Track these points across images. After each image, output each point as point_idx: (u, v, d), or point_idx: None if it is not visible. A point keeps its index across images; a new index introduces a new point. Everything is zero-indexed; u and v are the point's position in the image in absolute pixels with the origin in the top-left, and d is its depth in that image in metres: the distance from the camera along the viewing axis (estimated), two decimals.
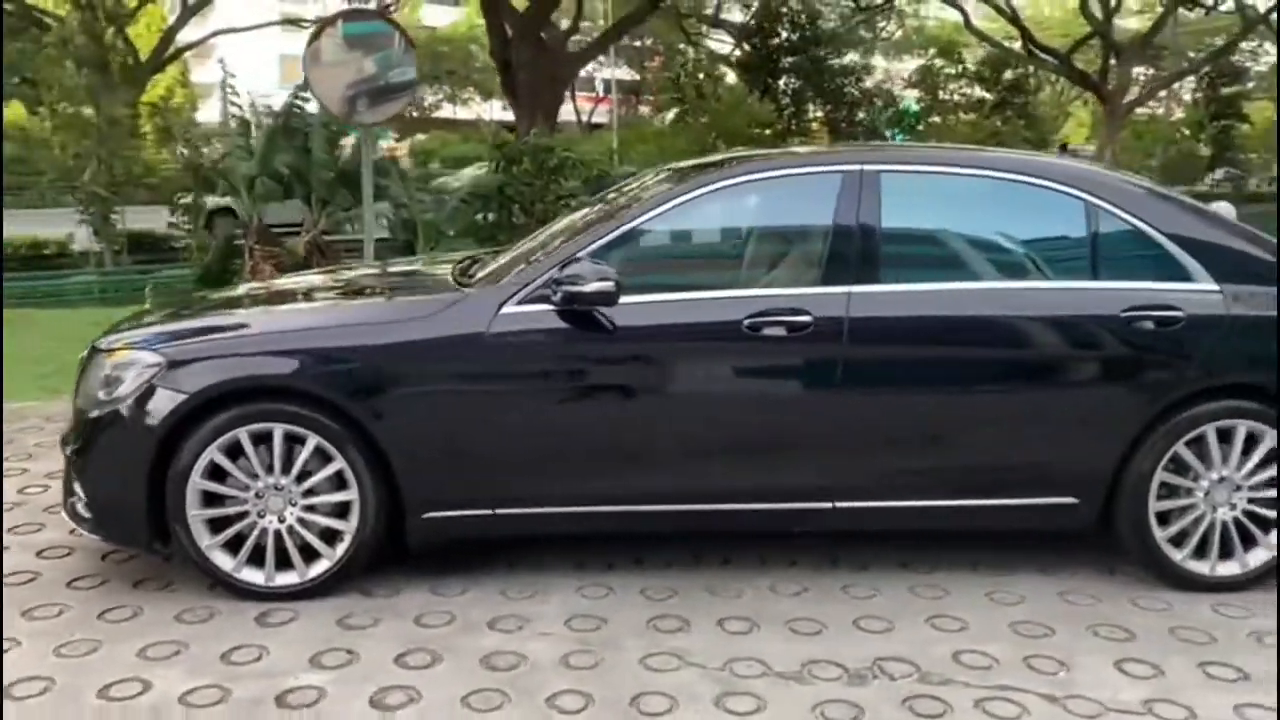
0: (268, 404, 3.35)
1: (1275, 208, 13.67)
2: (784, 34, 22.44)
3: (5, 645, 3.06)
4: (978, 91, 28.47)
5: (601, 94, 39.47)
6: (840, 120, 24.81)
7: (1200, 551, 3.55)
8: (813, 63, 22.38)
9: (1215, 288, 3.52)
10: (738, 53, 24.91)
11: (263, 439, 3.34)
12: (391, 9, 18.93)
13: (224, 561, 3.38)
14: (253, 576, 3.39)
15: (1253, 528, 3.56)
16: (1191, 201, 3.88)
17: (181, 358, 3.37)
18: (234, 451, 3.34)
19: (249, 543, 3.38)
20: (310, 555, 3.41)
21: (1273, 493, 3.53)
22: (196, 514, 3.34)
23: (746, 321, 3.39)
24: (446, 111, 42.30)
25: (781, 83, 22.99)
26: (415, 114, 38.22)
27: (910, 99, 28.84)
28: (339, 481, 3.38)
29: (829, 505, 3.51)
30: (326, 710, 2.78)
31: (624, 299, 3.36)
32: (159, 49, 25.17)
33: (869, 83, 25.99)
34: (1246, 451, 3.50)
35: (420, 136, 32.59)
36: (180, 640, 3.13)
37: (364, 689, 2.88)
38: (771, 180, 3.75)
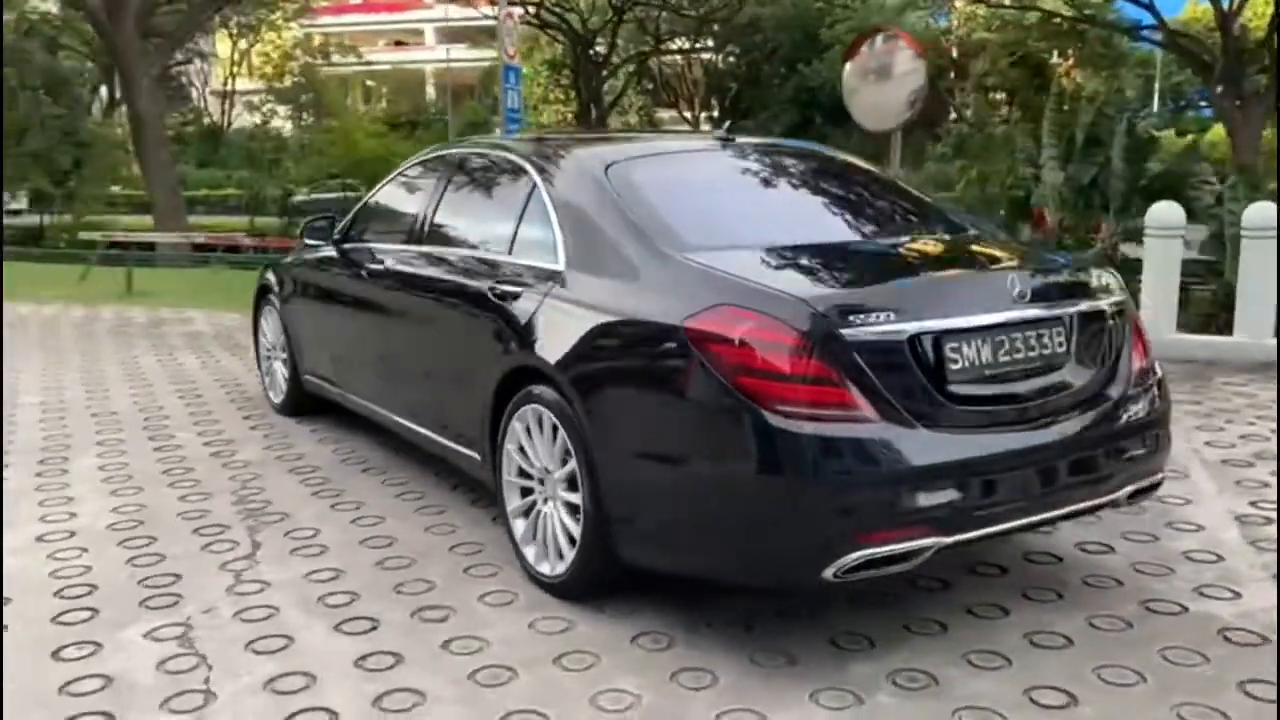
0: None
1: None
2: None
3: None
4: None
5: None
6: None
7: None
8: None
9: (559, 269, 3.35)
10: None
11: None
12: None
13: None
14: None
15: (563, 528, 3.22)
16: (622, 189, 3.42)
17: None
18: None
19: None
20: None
21: (574, 497, 3.14)
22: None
23: (373, 267, 4.55)
24: None
25: None
26: None
27: None
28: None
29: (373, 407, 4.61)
30: None
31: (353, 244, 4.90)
32: None
33: None
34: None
35: None
36: None
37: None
38: (441, 161, 4.60)
